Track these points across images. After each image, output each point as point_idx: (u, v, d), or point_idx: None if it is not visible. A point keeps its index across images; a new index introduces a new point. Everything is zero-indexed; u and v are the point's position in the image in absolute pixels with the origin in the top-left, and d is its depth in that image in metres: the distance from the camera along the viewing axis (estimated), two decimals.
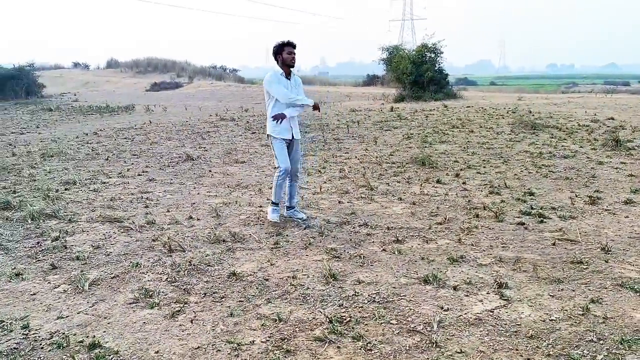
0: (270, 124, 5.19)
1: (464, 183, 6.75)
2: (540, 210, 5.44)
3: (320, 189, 6.62)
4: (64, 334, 3.05)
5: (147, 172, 8.14)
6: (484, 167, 7.70)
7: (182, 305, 3.43)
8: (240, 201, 6.15)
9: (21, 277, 3.93)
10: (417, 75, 21.04)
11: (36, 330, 3.12)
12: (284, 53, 5.05)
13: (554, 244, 4.45)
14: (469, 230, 4.91)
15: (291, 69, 5.13)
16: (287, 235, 4.87)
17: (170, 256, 4.33)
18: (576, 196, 5.99)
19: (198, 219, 5.43)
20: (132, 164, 8.93)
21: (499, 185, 6.53)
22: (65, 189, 6.94)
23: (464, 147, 9.28)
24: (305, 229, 5.05)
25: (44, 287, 3.76)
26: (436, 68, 21.63)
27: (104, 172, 8.12)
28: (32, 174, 8.08)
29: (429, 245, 4.52)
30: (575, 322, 3.09)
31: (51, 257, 4.35)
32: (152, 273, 3.98)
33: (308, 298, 3.51)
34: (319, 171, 7.76)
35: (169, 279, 3.85)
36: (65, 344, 2.92)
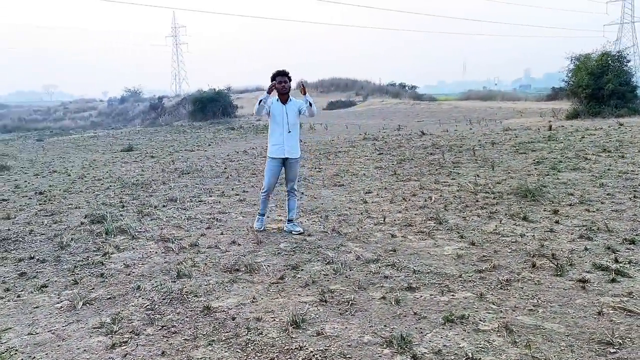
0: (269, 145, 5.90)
1: (556, 222, 5.63)
2: (624, 265, 4.26)
3: (384, 219, 6.15)
4: (15, 350, 3.32)
5: (247, 192, 8.51)
6: (602, 202, 6.33)
7: (132, 336, 3.46)
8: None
9: (43, 290, 4.39)
10: (596, 88, 18.43)
11: (1, 344, 3.44)
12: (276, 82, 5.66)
13: (599, 313, 3.44)
14: (508, 283, 4.06)
15: (288, 95, 5.75)
16: (302, 270, 4.62)
17: (175, 282, 4.43)
18: None
19: (239, 244, 5.48)
20: (244, 183, 9.42)
21: (598, 228, 5.31)
22: (163, 206, 7.61)
23: (597, 176, 7.78)
24: (327, 263, 4.73)
25: (50, 302, 4.14)
26: (621, 79, 18.68)
27: (211, 190, 8.71)
28: (155, 190, 9.05)
29: (441, 298, 3.86)
30: None
31: (82, 272, 4.79)
32: (142, 298, 4.11)
33: (249, 346, 3.26)
34: (404, 199, 7.23)
35: (148, 307, 3.93)
36: None
